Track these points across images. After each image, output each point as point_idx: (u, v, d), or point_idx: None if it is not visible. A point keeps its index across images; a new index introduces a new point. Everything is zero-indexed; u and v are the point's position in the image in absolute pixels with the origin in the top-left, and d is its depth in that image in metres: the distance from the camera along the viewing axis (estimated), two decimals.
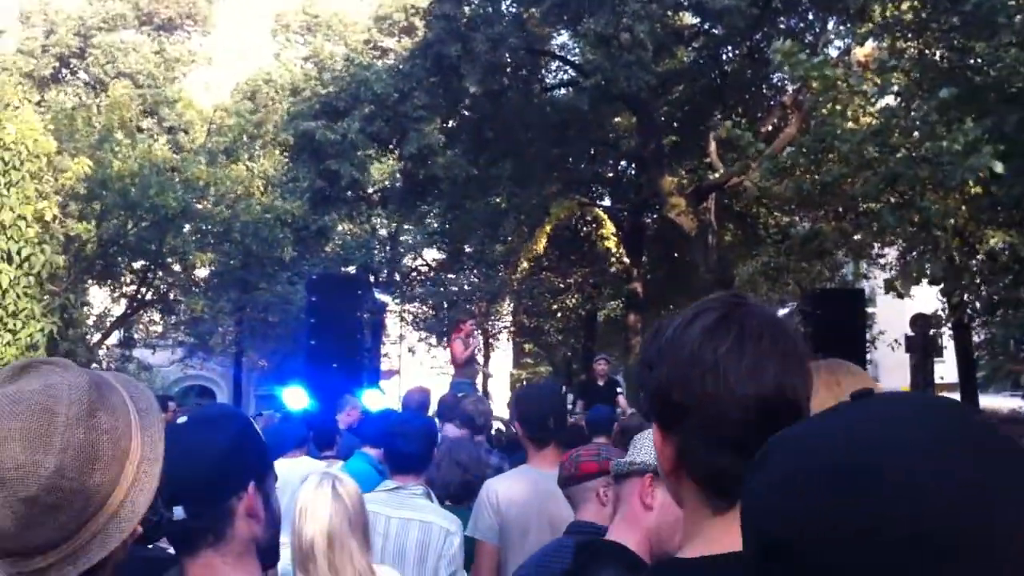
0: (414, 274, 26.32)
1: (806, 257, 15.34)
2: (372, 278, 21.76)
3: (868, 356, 15.45)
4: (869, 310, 19.10)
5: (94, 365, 14.69)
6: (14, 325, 11.67)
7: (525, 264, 21.93)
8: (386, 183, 23.11)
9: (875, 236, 13.18)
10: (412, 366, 26.82)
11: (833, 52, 18.51)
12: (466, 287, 24.96)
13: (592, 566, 2.16)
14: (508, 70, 19.22)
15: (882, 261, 16.02)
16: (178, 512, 1.58)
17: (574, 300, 26.18)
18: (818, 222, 14.59)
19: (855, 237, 13.58)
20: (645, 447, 2.33)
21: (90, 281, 17.77)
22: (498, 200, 23.48)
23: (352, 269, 21.00)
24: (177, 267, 19.01)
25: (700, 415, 1.21)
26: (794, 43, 11.31)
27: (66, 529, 1.16)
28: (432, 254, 26.31)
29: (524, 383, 28.13)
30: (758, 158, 12.64)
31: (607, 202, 25.27)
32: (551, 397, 4.43)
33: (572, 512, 3.94)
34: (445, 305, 24.64)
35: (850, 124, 11.78)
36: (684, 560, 1.25)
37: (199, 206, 17.28)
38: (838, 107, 11.50)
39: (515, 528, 4.04)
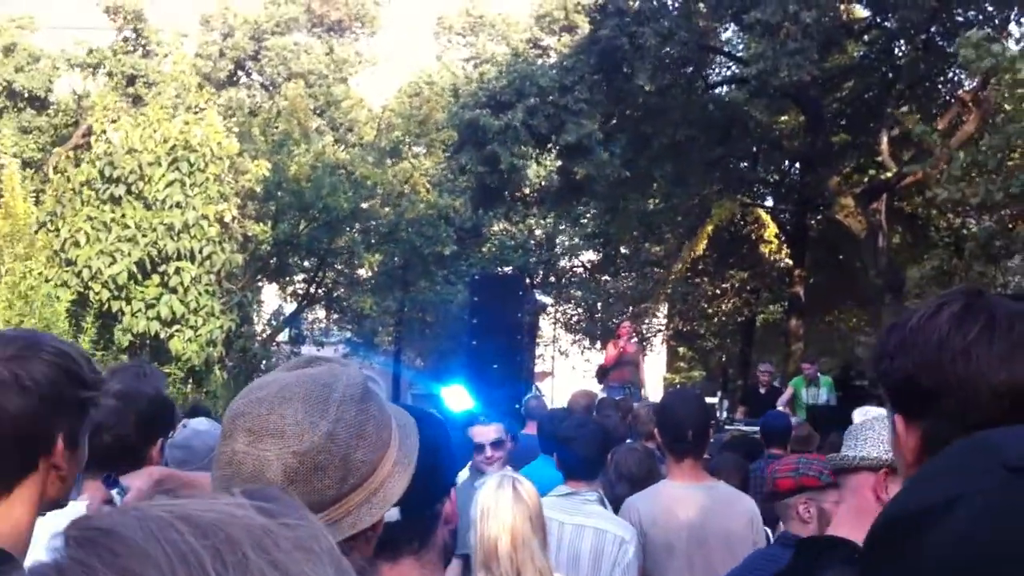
0: (569, 275, 26.34)
1: (987, 260, 14.54)
2: (528, 279, 21.90)
3: None
4: None
5: (264, 363, 15.31)
6: (195, 322, 12.25)
7: (682, 266, 21.61)
8: (542, 183, 23.21)
9: None
10: (565, 369, 26.84)
11: (1013, 45, 17.52)
12: (622, 289, 24.81)
13: (815, 564, 2.13)
14: (671, 66, 19.00)
15: None
16: (393, 514, 1.50)
17: (731, 304, 25.65)
18: (997, 223, 13.85)
19: None
20: (871, 440, 2.32)
21: (263, 280, 18.55)
22: (655, 200, 23.24)
23: (508, 270, 21.19)
24: (342, 266, 19.62)
25: (951, 400, 1.22)
26: (984, 34, 10.71)
27: (325, 496, 1.24)
28: (588, 256, 26.26)
29: (676, 387, 27.78)
30: (943, 159, 11.96)
31: (769, 203, 24.65)
32: (693, 407, 4.17)
33: (719, 524, 3.88)
34: (599, 307, 24.56)
35: None
36: None
37: (366, 206, 17.77)
38: None
39: (660, 546, 3.95)
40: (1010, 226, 13.33)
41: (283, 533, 0.56)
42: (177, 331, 12.21)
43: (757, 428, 8.12)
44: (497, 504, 2.92)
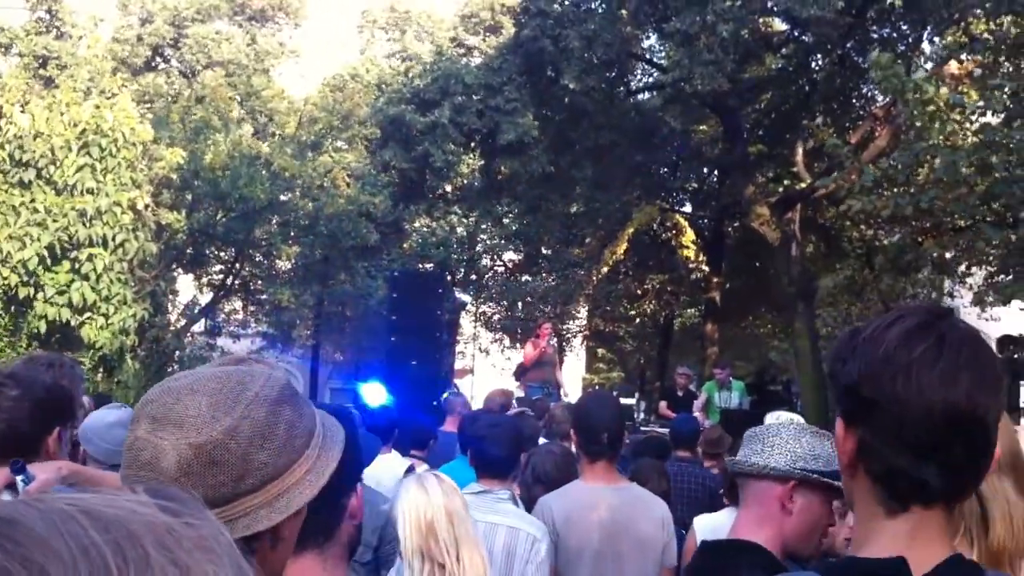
0: (490, 274, 26.40)
1: (896, 272, 15.00)
2: (449, 277, 21.87)
3: None
4: None
5: (177, 353, 15.04)
6: (107, 310, 11.96)
7: (605, 269, 21.83)
8: (464, 181, 23.20)
9: (969, 254, 12.83)
10: (485, 366, 26.90)
11: (927, 64, 18.11)
12: (541, 289, 24.96)
13: (725, 566, 2.16)
14: (596, 69, 19.20)
15: (969, 280, 15.57)
16: None
17: (651, 307, 26.01)
18: (906, 237, 14.28)
19: (947, 255, 13.23)
20: (778, 447, 2.33)
21: (179, 269, 18.20)
22: (576, 204, 23.43)
23: (430, 266, 21.15)
24: (260, 257, 19.34)
25: (886, 413, 1.23)
26: (891, 56, 11.07)
27: (219, 493, 1.21)
28: (509, 255, 26.35)
29: (594, 388, 28.07)
30: (854, 171, 12.28)
31: (688, 209, 25.05)
32: (609, 410, 4.24)
33: (630, 526, 3.94)
34: (520, 306, 24.67)
35: (945, 140, 11.48)
36: (863, 560, 1.27)
37: (284, 198, 17.56)
38: (936, 124, 11.21)
39: (572, 546, 3.99)
40: (919, 239, 13.76)
41: (185, 532, 0.56)
42: (88, 319, 11.91)
43: None
44: (427, 492, 2.97)
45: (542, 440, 6.18)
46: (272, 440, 1.25)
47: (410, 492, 2.99)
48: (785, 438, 2.33)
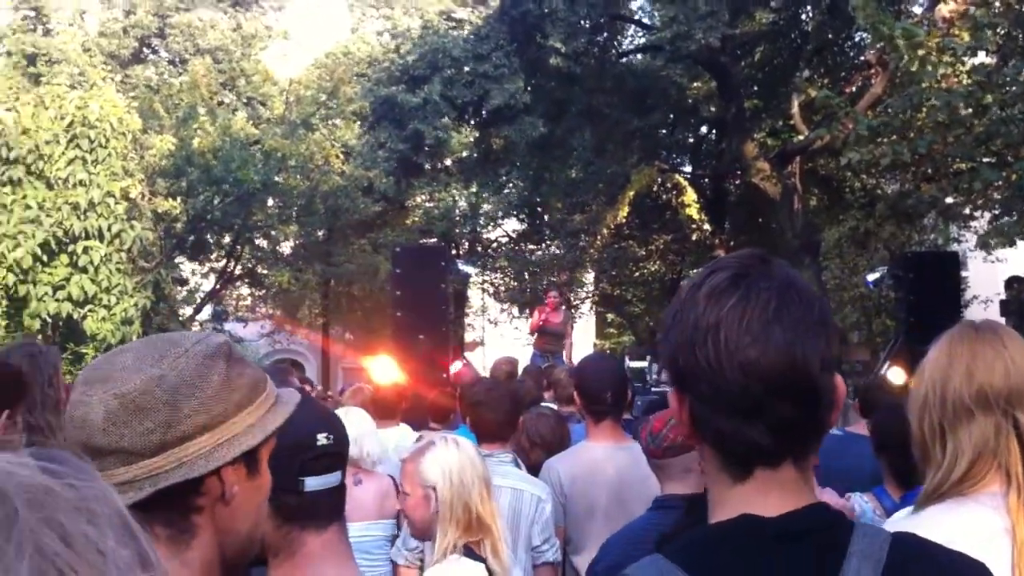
0: (495, 245, 26.33)
1: (897, 220, 14.91)
2: (454, 249, 21.81)
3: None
4: (962, 274, 18.52)
5: None
6: (109, 301, 11.98)
7: (606, 232, 21.76)
8: (463, 154, 23.08)
9: (969, 196, 12.74)
10: (495, 337, 26.88)
11: (916, 8, 17.91)
12: (547, 257, 24.89)
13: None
14: (584, 32, 19.05)
15: (974, 224, 15.44)
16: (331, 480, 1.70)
17: (656, 267, 25.96)
18: (907, 184, 14.19)
19: (948, 200, 13.14)
20: None
21: (182, 257, 18.18)
22: (576, 170, 23.32)
23: (433, 240, 21.09)
24: (262, 241, 19.30)
25: (702, 380, 1.16)
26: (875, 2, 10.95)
27: (149, 441, 1.21)
28: (512, 224, 26.25)
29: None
30: (849, 121, 12.14)
31: (688, 169, 24.94)
32: (610, 370, 4.27)
33: (639, 485, 3.88)
34: (526, 276, 24.63)
35: (938, 82, 11.36)
36: (710, 527, 1.23)
37: (279, 179, 17.52)
38: (928, 67, 11.07)
39: (580, 508, 4.00)
40: (918, 185, 13.67)
41: (65, 493, 0.56)
42: (90, 311, 11.94)
43: None
44: (458, 449, 2.90)
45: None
46: (202, 390, 1.25)
47: (435, 458, 2.91)
48: None
